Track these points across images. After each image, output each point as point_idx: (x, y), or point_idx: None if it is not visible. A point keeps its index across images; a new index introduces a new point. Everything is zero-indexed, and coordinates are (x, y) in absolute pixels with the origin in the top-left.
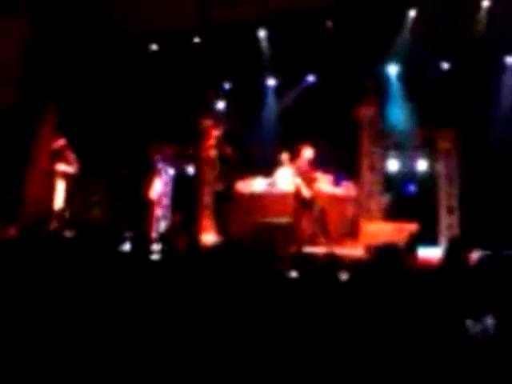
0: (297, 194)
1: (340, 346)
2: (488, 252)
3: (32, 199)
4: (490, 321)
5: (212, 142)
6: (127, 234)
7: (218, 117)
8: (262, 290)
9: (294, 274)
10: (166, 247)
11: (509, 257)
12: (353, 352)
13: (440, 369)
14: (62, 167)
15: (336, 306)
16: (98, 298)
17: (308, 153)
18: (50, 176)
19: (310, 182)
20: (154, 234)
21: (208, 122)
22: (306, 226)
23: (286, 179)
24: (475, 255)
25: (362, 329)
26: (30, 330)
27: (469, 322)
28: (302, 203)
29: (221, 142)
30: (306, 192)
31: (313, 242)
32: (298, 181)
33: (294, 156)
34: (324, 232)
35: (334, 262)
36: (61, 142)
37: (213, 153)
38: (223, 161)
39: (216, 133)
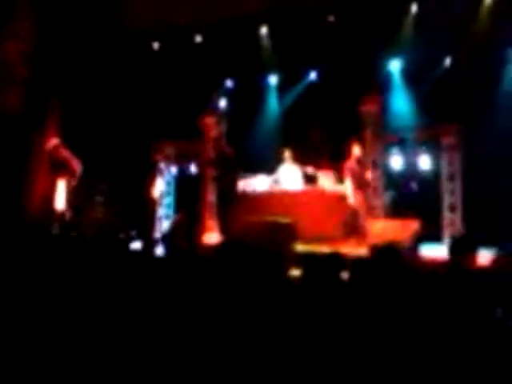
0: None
1: (342, 346)
2: (503, 251)
3: (34, 201)
4: None
5: (213, 140)
6: (132, 234)
7: (219, 115)
8: (263, 289)
9: (296, 272)
10: (169, 247)
11: None
12: (355, 352)
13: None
14: (63, 183)
15: (338, 304)
16: (102, 297)
17: (356, 151)
18: (52, 177)
19: (362, 184)
20: (156, 234)
21: (210, 120)
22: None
23: (288, 177)
24: (488, 255)
25: (364, 328)
26: (35, 329)
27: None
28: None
29: (221, 141)
30: (352, 200)
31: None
32: (349, 185)
33: (346, 156)
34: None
35: (336, 261)
36: (54, 141)
37: (213, 151)
38: (224, 160)
39: (216, 131)
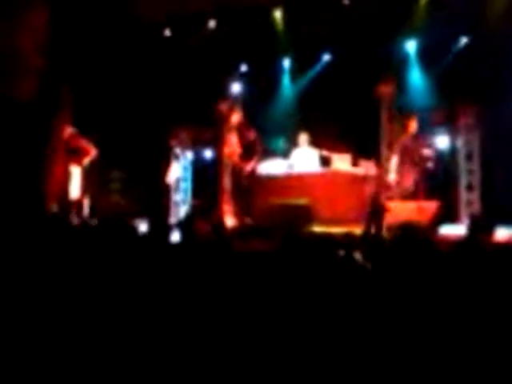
0: (381, 177)
1: (356, 330)
2: None
3: (52, 189)
4: None
5: (231, 125)
6: (146, 220)
7: (234, 100)
8: (277, 271)
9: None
10: (186, 233)
11: None
12: (372, 336)
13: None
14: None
15: (355, 283)
16: (116, 287)
17: (413, 127)
18: (69, 165)
19: (416, 162)
20: (172, 219)
21: (225, 105)
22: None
23: (304, 160)
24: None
25: (382, 308)
26: (48, 321)
27: None
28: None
29: (242, 126)
30: (392, 176)
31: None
32: (393, 161)
33: (403, 131)
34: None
35: (350, 242)
36: (69, 129)
37: (233, 137)
38: (245, 145)
39: (236, 117)
